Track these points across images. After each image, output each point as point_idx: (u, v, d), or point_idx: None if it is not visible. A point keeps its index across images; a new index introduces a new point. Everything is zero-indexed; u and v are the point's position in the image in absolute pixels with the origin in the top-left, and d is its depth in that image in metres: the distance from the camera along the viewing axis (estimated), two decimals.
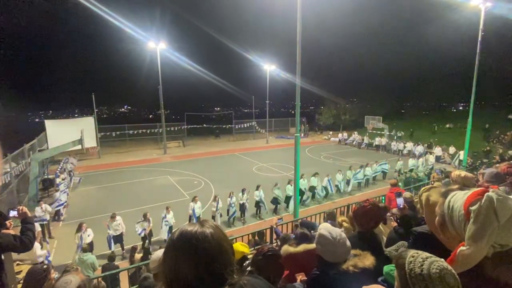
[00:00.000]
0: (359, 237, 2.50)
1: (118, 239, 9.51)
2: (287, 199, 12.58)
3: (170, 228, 9.86)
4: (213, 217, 11.01)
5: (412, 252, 1.09)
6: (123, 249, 9.57)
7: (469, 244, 1.05)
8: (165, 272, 0.92)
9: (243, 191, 11.95)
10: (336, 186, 14.81)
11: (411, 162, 18.32)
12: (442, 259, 1.03)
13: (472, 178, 3.36)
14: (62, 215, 12.18)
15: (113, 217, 9.35)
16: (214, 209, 11.10)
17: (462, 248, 1.07)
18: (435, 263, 1.01)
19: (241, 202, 11.85)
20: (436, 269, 0.99)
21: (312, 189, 13.87)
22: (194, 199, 10.79)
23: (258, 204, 12.28)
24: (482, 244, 1.03)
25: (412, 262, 1.04)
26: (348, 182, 15.17)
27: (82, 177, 17.09)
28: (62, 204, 12.01)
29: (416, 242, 2.07)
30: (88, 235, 8.86)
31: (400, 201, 3.54)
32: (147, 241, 9.59)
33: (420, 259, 1.04)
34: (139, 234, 9.47)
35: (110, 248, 9.23)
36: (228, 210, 11.54)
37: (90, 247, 8.29)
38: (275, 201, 12.67)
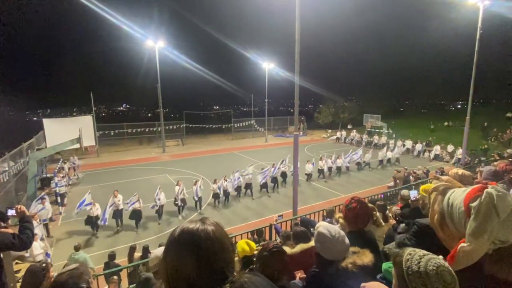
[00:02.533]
0: (351, 236, 2.51)
1: (118, 214, 10.98)
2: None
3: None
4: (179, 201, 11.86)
5: (409, 250, 1.10)
6: (121, 224, 11.16)
7: (470, 241, 1.04)
8: (166, 270, 0.92)
9: (215, 181, 13.07)
10: (306, 174, 16.51)
11: (380, 154, 20.59)
12: (440, 257, 1.03)
13: (469, 176, 3.38)
14: (61, 213, 12.19)
15: (115, 194, 11.08)
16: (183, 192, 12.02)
17: (463, 244, 1.07)
18: (432, 260, 1.01)
19: (215, 192, 12.95)
20: (433, 266, 0.99)
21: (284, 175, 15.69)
22: (178, 183, 12.06)
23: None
24: (483, 240, 1.03)
25: (409, 260, 1.05)
26: (319, 171, 17.13)
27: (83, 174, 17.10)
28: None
29: (417, 233, 2.09)
30: (97, 209, 10.64)
31: (413, 193, 3.59)
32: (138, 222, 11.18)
33: (417, 257, 1.04)
34: (127, 209, 11.03)
35: (103, 218, 10.55)
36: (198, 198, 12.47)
37: (95, 221, 10.56)
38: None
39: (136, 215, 10.91)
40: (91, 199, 10.83)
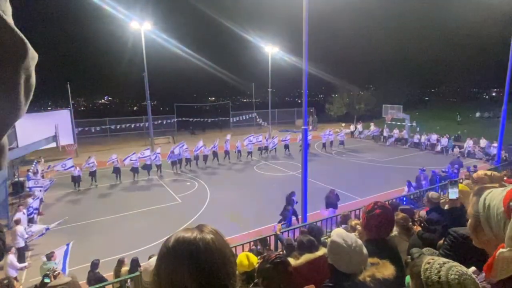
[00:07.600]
0: (369, 245, 2.50)
1: (92, 173, 16.78)
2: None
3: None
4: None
5: (427, 258, 1.11)
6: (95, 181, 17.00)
7: (510, 245, 1.03)
8: (160, 284, 0.92)
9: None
10: (248, 152, 21.74)
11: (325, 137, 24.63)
12: (472, 268, 1.04)
13: (500, 177, 3.35)
14: (36, 222, 12.25)
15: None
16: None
17: (502, 250, 1.05)
18: (453, 268, 1.03)
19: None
20: (454, 275, 1.00)
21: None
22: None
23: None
24: None
25: (428, 269, 1.06)
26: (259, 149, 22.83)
27: (54, 179, 16.99)
28: (35, 210, 12.08)
29: (454, 244, 2.08)
30: (78, 170, 16.76)
31: (454, 191, 3.55)
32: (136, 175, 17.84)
33: (436, 265, 1.05)
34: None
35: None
36: None
37: (78, 180, 16.62)
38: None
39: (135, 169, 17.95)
40: (73, 163, 16.67)
